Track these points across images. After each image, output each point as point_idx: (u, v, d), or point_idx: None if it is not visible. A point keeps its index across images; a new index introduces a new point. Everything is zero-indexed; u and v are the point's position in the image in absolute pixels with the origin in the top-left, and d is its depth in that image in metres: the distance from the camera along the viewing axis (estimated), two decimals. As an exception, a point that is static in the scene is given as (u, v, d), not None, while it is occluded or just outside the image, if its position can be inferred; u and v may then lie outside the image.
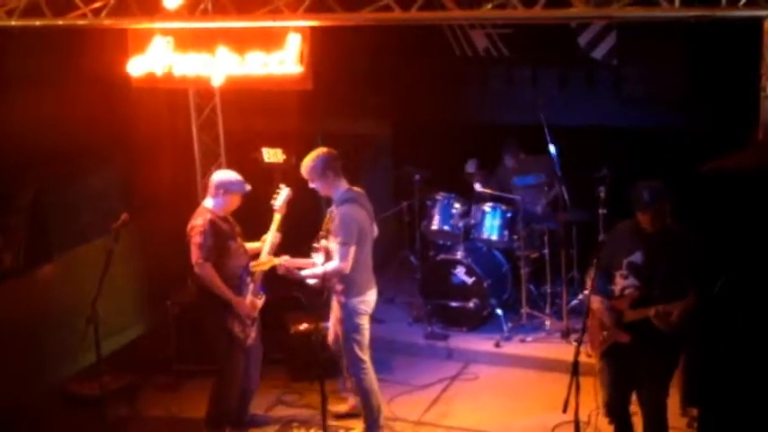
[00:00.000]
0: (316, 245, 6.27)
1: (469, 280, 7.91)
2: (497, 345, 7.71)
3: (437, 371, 7.49)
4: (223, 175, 6.36)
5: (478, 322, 8.00)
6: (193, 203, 6.65)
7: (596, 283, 5.46)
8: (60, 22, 5.95)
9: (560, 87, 8.65)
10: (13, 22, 5.96)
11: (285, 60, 6.02)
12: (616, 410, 5.64)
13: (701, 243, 5.24)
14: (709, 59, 7.62)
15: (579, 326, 6.47)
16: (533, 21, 5.37)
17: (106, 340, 6.72)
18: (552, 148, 7.77)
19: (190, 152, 7.70)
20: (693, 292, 5.17)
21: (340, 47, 7.32)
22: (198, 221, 6.16)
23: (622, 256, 5.47)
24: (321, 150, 6.15)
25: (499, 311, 7.95)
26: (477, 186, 8.09)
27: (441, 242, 8.46)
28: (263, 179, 7.18)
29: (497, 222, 8.03)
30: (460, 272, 7.94)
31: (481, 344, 7.77)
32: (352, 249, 6.02)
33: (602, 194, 7.67)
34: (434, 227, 8.20)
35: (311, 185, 6.20)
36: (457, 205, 8.15)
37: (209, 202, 6.30)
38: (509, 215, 8.01)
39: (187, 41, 6.34)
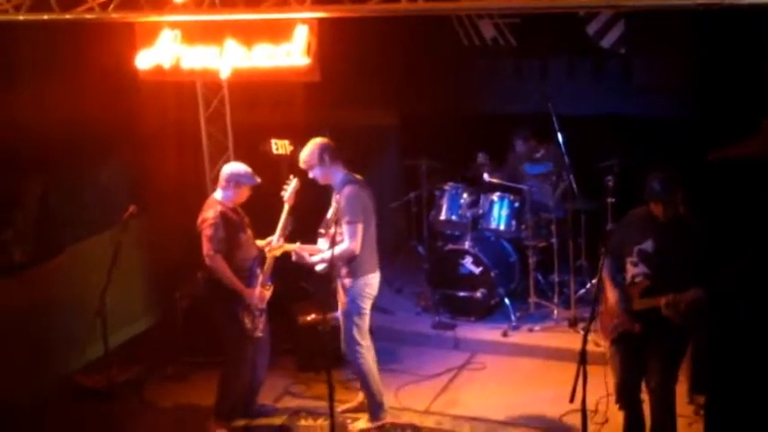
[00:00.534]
0: (322, 230, 6.32)
1: (477, 270, 7.92)
2: (505, 334, 7.72)
3: (444, 360, 7.50)
4: (233, 167, 6.38)
5: (486, 312, 8.01)
6: (202, 196, 6.66)
7: (609, 271, 5.47)
8: (68, 17, 5.94)
9: (568, 76, 8.63)
10: (20, 17, 5.96)
11: (292, 52, 6.03)
12: (627, 396, 5.65)
13: (709, 232, 5.23)
14: (717, 48, 7.59)
15: (587, 315, 6.47)
16: (541, 10, 5.34)
17: (115, 332, 6.76)
18: (560, 138, 7.76)
19: (198, 145, 7.71)
20: (702, 282, 5.17)
21: (347, 38, 7.31)
22: (209, 214, 6.18)
23: (633, 244, 5.48)
24: (316, 139, 6.25)
25: (507, 301, 7.96)
26: (486, 176, 8.08)
27: (448, 232, 8.46)
28: (271, 171, 7.20)
29: (505, 212, 8.04)
30: (468, 262, 7.95)
31: (489, 333, 7.79)
32: (360, 227, 6.08)
33: (611, 183, 7.66)
34: (442, 217, 8.20)
35: (310, 175, 6.27)
36: (465, 195, 8.16)
37: (219, 194, 6.32)
38: (517, 205, 8.01)
39: (195, 34, 6.35)
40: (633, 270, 5.48)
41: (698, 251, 5.25)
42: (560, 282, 8.02)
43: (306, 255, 6.29)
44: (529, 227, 7.92)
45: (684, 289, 5.22)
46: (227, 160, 7.29)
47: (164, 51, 6.42)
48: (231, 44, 6.20)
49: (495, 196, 8.06)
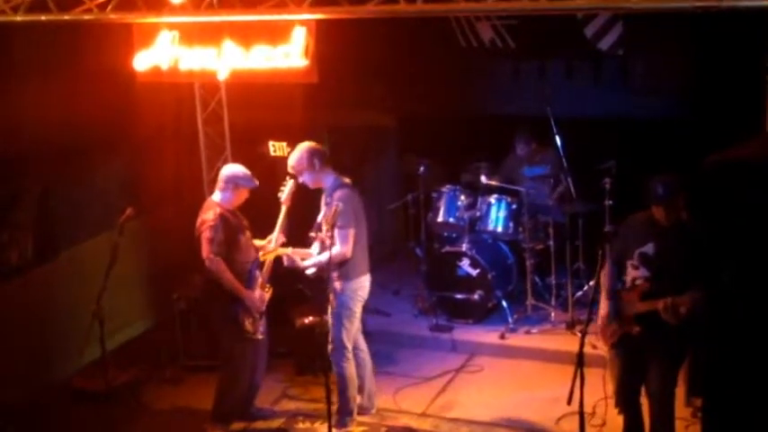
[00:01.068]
0: (312, 234, 6.33)
1: (474, 272, 7.91)
2: (502, 336, 7.71)
3: (442, 363, 7.50)
4: (232, 169, 6.37)
5: (483, 314, 8.01)
6: (199, 197, 6.66)
7: (609, 281, 5.48)
8: (66, 18, 5.94)
9: (567, 78, 8.62)
10: (18, 18, 5.94)
11: (290, 54, 6.02)
12: (626, 400, 5.65)
13: (708, 236, 5.23)
14: (715, 50, 7.59)
15: (584, 317, 6.47)
16: (540, 12, 5.34)
17: (112, 335, 6.76)
18: (558, 140, 7.75)
19: (195, 146, 7.70)
20: (701, 286, 5.17)
21: (345, 39, 7.30)
22: (208, 216, 6.17)
23: (635, 247, 5.48)
24: (304, 144, 6.25)
25: (504, 303, 7.95)
26: (483, 178, 8.08)
27: (446, 234, 8.46)
28: (268, 172, 7.19)
29: (503, 214, 8.04)
30: (465, 264, 7.94)
31: (486, 336, 7.78)
32: (352, 233, 6.09)
33: (609, 186, 7.65)
34: (440, 219, 8.20)
35: (300, 179, 6.26)
36: (462, 197, 8.15)
37: (217, 196, 6.31)
38: (514, 207, 8.01)
39: (193, 35, 6.34)
40: (634, 273, 5.48)
41: (698, 255, 5.25)
42: (558, 284, 8.02)
43: (297, 259, 6.29)
44: (526, 229, 7.91)
45: (684, 292, 5.21)
46: (225, 162, 7.28)
47: (162, 53, 6.41)
48: (229, 45, 6.20)
49: (493, 198, 8.06)
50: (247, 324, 6.24)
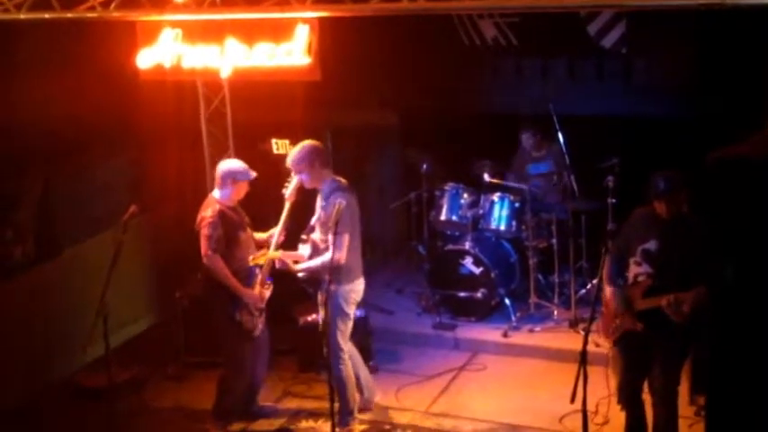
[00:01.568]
0: (304, 236, 6.32)
1: (477, 270, 7.91)
2: (505, 335, 7.71)
3: (445, 361, 7.50)
4: (228, 164, 6.37)
5: (486, 312, 8.00)
6: (202, 195, 6.65)
7: (609, 271, 5.47)
8: (69, 15, 5.94)
9: (569, 76, 8.61)
10: (21, 16, 5.95)
11: (293, 51, 6.02)
12: (629, 397, 5.65)
13: (711, 233, 5.23)
14: (719, 48, 7.57)
15: (587, 315, 6.47)
16: (542, 10, 5.34)
17: (115, 332, 6.74)
18: (561, 138, 7.75)
19: (198, 144, 7.69)
20: (704, 282, 5.17)
21: (348, 37, 7.30)
22: (207, 213, 6.17)
23: (637, 243, 5.48)
24: (307, 141, 6.22)
25: (507, 301, 7.95)
26: (486, 176, 8.08)
27: (449, 232, 8.46)
28: (271, 170, 7.19)
29: (505, 212, 8.03)
30: (468, 262, 7.94)
31: (489, 334, 7.78)
32: (347, 238, 6.05)
33: (611, 184, 7.65)
34: (443, 217, 8.20)
35: (297, 178, 6.23)
36: (465, 195, 8.15)
37: (217, 193, 6.31)
38: (517, 205, 8.00)
39: (195, 33, 6.34)
40: (636, 269, 5.48)
41: (701, 250, 5.25)
42: (561, 282, 8.01)
43: (289, 262, 6.27)
44: (529, 227, 7.91)
45: (687, 288, 5.22)
46: (228, 159, 7.27)
47: (165, 50, 6.41)
48: (232, 43, 6.20)
49: (496, 196, 8.05)
50: (246, 321, 6.24)
